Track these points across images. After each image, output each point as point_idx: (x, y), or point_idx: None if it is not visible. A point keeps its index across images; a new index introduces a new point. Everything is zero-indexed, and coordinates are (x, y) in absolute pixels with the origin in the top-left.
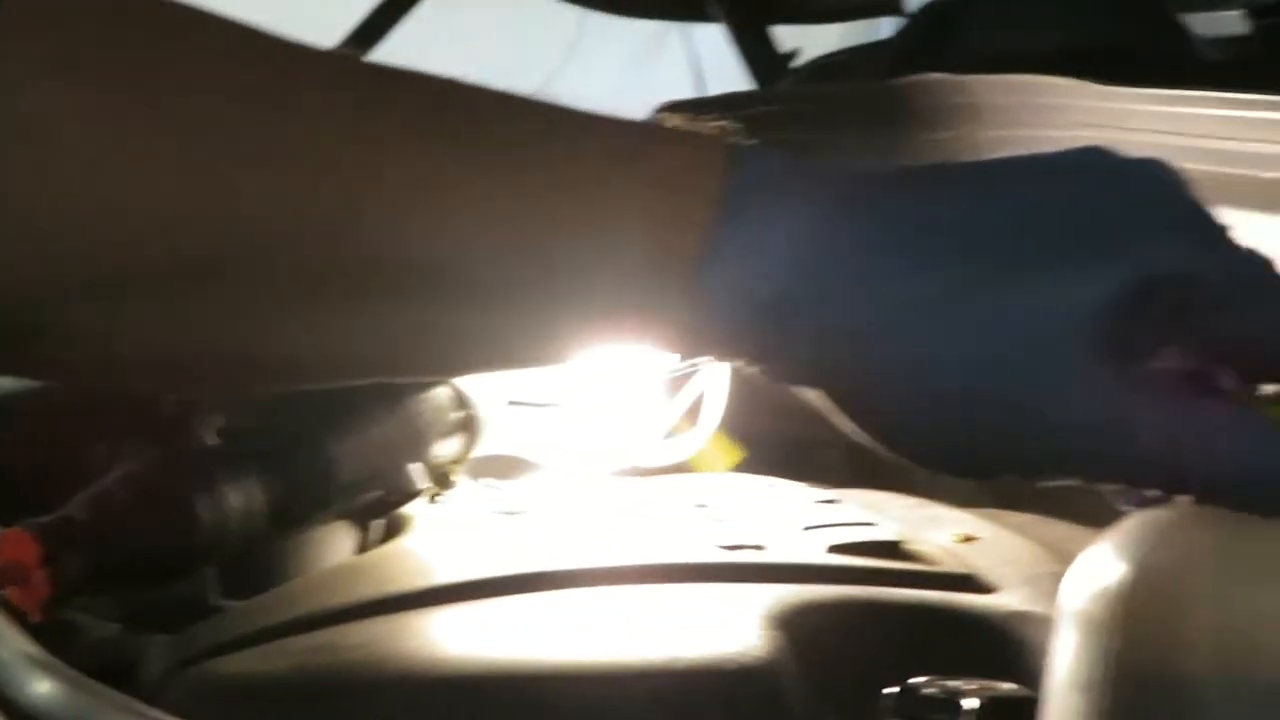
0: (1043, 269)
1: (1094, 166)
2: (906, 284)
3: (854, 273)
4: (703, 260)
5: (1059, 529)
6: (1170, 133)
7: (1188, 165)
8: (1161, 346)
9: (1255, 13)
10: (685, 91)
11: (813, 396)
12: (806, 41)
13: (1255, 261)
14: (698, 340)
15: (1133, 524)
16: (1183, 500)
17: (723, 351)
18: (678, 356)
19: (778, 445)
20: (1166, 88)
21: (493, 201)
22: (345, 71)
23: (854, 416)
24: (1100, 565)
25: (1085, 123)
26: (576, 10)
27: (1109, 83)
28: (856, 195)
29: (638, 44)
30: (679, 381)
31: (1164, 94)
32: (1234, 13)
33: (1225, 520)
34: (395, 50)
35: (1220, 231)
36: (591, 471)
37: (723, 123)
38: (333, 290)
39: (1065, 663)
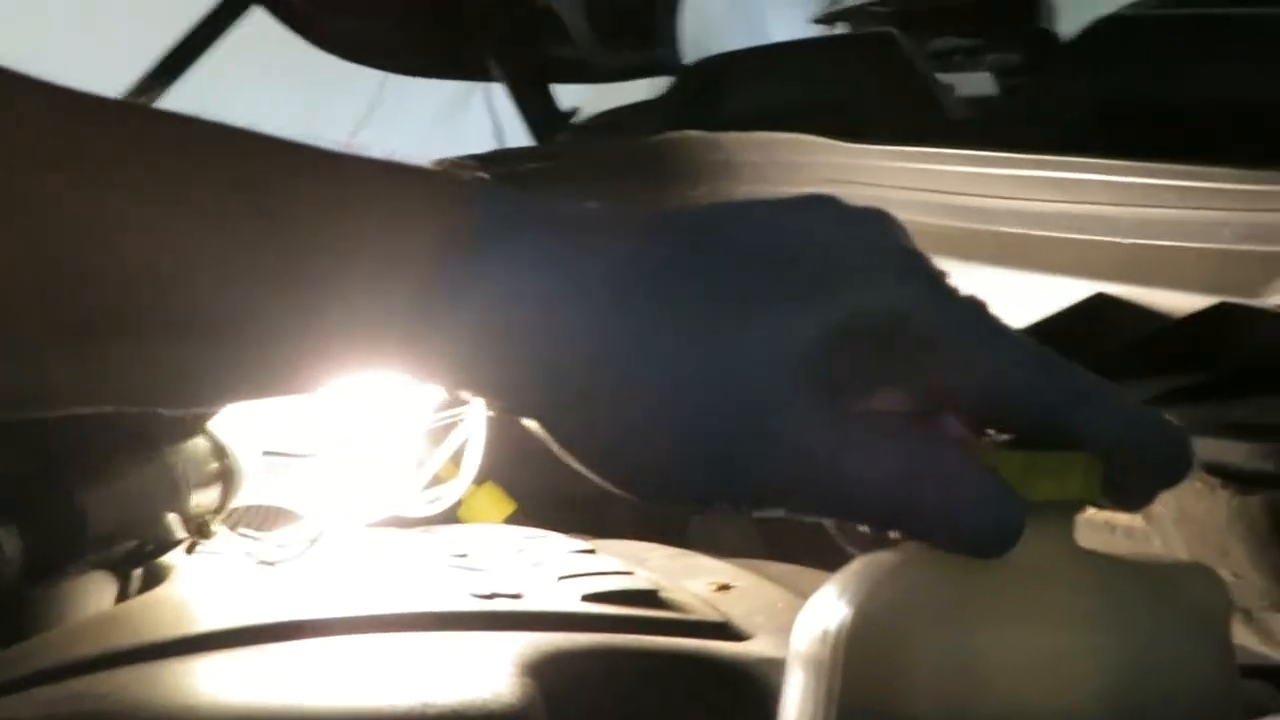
0: (758, 306)
1: (816, 213)
2: (624, 320)
3: (574, 308)
4: (432, 292)
5: (815, 577)
6: (916, 189)
7: (932, 220)
8: (877, 387)
9: (1003, 74)
10: (488, 147)
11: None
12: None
13: (970, 305)
14: (432, 371)
15: (856, 566)
16: (906, 542)
17: (455, 382)
18: (439, 406)
19: (554, 499)
20: (916, 145)
21: (227, 239)
22: (71, 110)
23: (568, 447)
24: (824, 608)
25: (832, 179)
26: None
27: (861, 140)
28: (584, 234)
29: (442, 102)
30: (442, 431)
31: (909, 151)
32: (983, 74)
33: (945, 562)
34: (192, 108)
35: (936, 276)
36: (351, 522)
37: (474, 166)
38: (76, 331)
39: (794, 704)
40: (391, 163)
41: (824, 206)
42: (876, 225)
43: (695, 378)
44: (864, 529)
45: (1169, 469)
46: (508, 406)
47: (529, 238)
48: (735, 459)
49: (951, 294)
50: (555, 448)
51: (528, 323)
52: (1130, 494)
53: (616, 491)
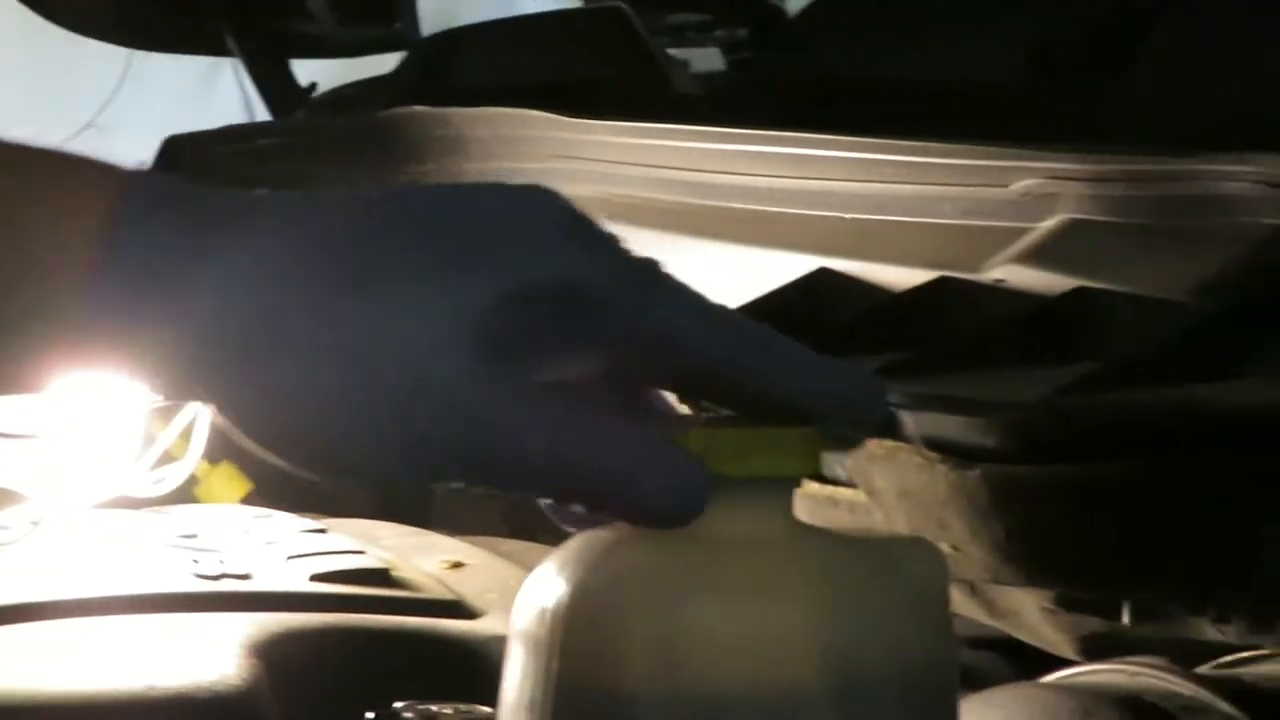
0: (421, 275)
1: (486, 192)
2: (294, 298)
3: (240, 288)
4: (91, 277)
5: (548, 554)
6: (643, 164)
7: (658, 195)
8: (560, 356)
9: (730, 48)
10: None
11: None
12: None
13: (644, 266)
14: (104, 357)
15: (575, 544)
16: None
17: (124, 367)
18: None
19: (291, 479)
20: (644, 121)
21: None
22: None
23: (234, 419)
24: (543, 586)
25: (557, 154)
26: None
27: (587, 116)
28: (244, 213)
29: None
30: (169, 412)
31: (637, 126)
32: (711, 50)
33: (662, 538)
34: None
35: (606, 239)
36: (76, 503)
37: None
38: None
39: (514, 683)
40: (55, 153)
41: (494, 186)
42: (542, 197)
43: (350, 341)
44: (578, 508)
45: (864, 416)
46: (171, 386)
47: (170, 218)
48: (404, 428)
49: (623, 255)
50: (227, 428)
51: (197, 308)
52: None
53: (299, 470)
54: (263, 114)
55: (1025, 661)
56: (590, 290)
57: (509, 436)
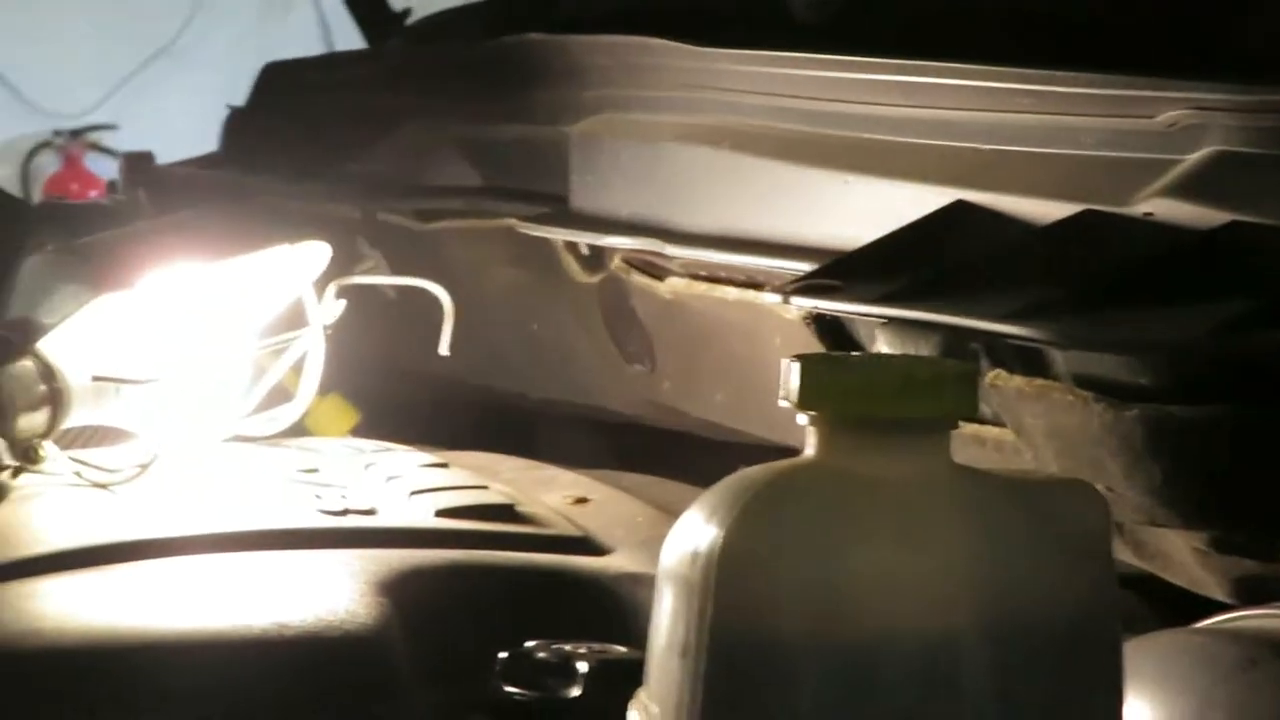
0: None
1: None
2: None
3: None
4: None
5: (673, 489)
6: (768, 93)
7: (785, 125)
8: None
9: None
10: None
11: None
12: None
13: None
14: None
15: (725, 486)
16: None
17: None
18: (278, 324)
19: (397, 409)
20: (761, 49)
21: None
22: None
23: None
24: (694, 528)
25: (681, 84)
26: None
27: (705, 44)
28: None
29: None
30: (280, 350)
31: (757, 55)
32: None
33: (816, 479)
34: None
35: None
36: (191, 440)
37: None
38: None
39: (663, 626)
40: None
41: None
42: None
43: None
44: None
45: None
46: None
47: None
48: None
49: None
50: None
51: None
52: None
53: None
54: (341, 40)
55: (1162, 601)
56: None
57: None
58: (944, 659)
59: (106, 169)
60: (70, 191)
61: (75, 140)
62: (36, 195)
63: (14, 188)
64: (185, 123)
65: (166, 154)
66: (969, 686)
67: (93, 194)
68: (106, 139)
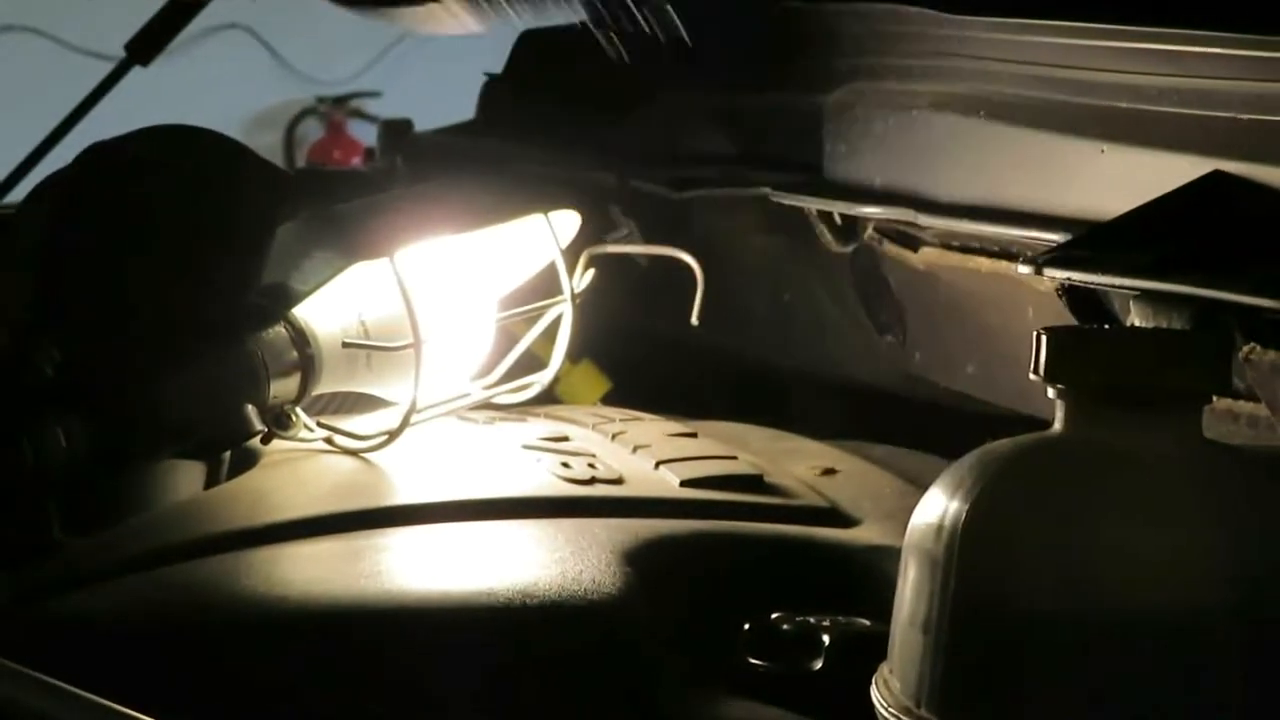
0: None
1: None
2: None
3: None
4: None
5: (920, 461)
6: (1020, 61)
7: (1038, 94)
8: None
9: None
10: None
11: None
12: None
13: None
14: None
15: (970, 460)
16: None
17: None
18: (528, 293)
19: (649, 377)
20: (1008, 15)
21: None
22: None
23: None
24: (938, 502)
25: (936, 51)
26: None
27: (957, 11)
28: None
29: None
30: (530, 318)
31: (1011, 23)
32: None
33: (1063, 454)
34: None
35: None
36: (441, 407)
37: None
38: None
39: (907, 600)
40: None
41: None
42: None
43: None
44: None
45: None
46: None
47: None
48: None
49: None
50: None
51: None
52: None
53: None
54: None
55: None
56: None
57: None
58: (1195, 638)
59: (369, 136)
60: (332, 158)
61: (338, 107)
62: (300, 162)
63: (278, 154)
64: (445, 90)
65: (426, 121)
66: (1216, 668)
67: (355, 161)
68: (369, 106)
